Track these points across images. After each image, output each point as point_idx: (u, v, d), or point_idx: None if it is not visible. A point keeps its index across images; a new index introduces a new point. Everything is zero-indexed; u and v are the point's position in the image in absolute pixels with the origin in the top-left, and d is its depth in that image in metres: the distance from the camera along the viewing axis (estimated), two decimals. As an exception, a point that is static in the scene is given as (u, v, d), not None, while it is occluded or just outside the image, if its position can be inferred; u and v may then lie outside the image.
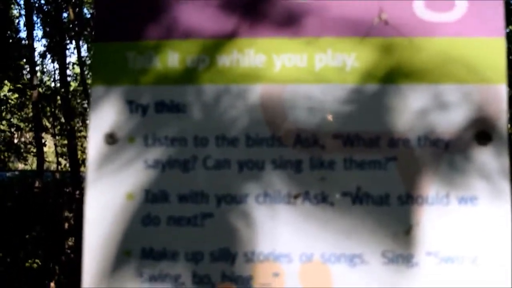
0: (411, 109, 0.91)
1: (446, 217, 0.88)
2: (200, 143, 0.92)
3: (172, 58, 0.94)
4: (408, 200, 0.89)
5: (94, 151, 0.94)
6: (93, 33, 0.98)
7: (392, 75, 0.91)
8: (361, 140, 0.90)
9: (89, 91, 0.98)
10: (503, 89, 0.90)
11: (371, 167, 0.90)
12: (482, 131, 0.89)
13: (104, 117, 0.94)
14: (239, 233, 0.90)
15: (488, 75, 0.90)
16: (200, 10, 0.95)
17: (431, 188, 0.89)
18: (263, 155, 0.91)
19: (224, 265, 0.90)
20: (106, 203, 0.92)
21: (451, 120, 0.90)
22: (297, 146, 0.91)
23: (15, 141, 10.51)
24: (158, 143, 0.93)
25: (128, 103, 0.94)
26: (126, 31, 0.96)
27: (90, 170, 0.93)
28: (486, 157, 0.89)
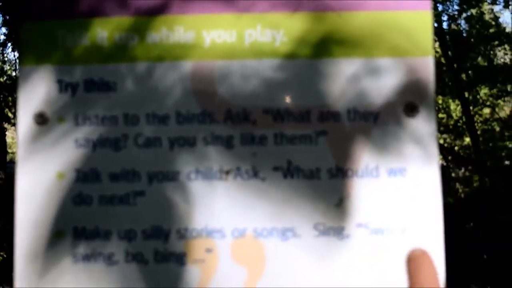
0: (341, 83, 0.91)
1: (376, 189, 0.90)
2: (131, 121, 0.92)
3: (101, 36, 0.93)
4: (338, 173, 0.90)
5: (24, 131, 0.92)
6: (19, 11, 0.96)
7: (322, 50, 0.92)
8: (291, 114, 0.91)
9: (18, 71, 0.97)
10: (430, 61, 0.92)
11: (301, 142, 0.91)
12: (410, 103, 0.91)
13: (33, 97, 0.93)
14: (172, 210, 0.90)
15: (415, 47, 0.92)
16: None
17: (361, 161, 0.90)
18: (194, 132, 0.91)
19: (157, 243, 0.90)
20: (36, 183, 0.91)
21: (380, 93, 0.91)
22: (228, 122, 0.91)
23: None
24: (88, 122, 0.92)
25: (58, 82, 0.93)
26: (54, 9, 0.94)
27: (20, 151, 0.92)
28: (415, 127, 0.90)
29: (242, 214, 0.90)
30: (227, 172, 0.90)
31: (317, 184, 0.90)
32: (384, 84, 0.91)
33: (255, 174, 0.90)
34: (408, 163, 0.90)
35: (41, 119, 0.92)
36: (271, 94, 0.91)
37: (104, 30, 0.93)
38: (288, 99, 0.91)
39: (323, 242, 0.89)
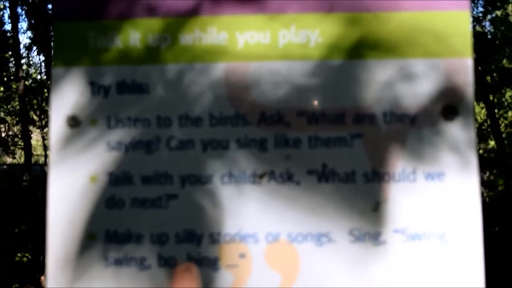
0: (377, 85, 0.89)
1: (413, 194, 0.87)
2: (163, 123, 0.91)
3: (134, 38, 0.92)
4: (374, 177, 0.88)
5: (57, 134, 0.92)
6: (52, 11, 0.95)
7: (357, 50, 0.90)
8: (326, 117, 0.89)
9: (51, 72, 0.96)
10: (469, 62, 0.89)
11: (336, 145, 0.89)
12: (449, 105, 0.88)
13: (65, 100, 0.92)
14: (204, 214, 0.89)
15: (454, 48, 0.89)
16: None
17: (397, 165, 0.88)
18: (227, 134, 0.90)
19: (190, 247, 0.89)
20: (69, 186, 0.90)
21: (418, 94, 0.89)
22: (261, 125, 0.90)
23: (3, 135, 10.44)
24: (120, 125, 0.91)
25: (90, 84, 0.92)
26: (86, 10, 0.94)
27: (53, 154, 0.91)
28: (453, 131, 0.88)
29: (275, 218, 0.88)
30: (261, 176, 0.89)
31: (352, 188, 0.88)
32: (421, 86, 0.89)
33: (289, 177, 0.88)
34: (446, 168, 0.87)
35: (74, 122, 0.92)
36: (305, 96, 0.90)
37: (136, 32, 0.92)
38: (321, 102, 0.89)
39: (358, 248, 0.87)
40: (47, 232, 0.90)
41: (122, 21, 0.93)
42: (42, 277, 6.74)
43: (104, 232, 0.90)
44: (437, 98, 0.88)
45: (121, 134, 0.91)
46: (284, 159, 0.89)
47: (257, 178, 0.89)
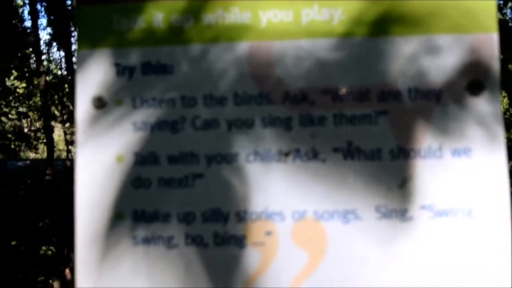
0: (401, 61, 0.89)
1: (440, 170, 0.87)
2: (188, 103, 0.91)
3: (157, 19, 0.93)
4: (400, 154, 0.88)
5: (83, 115, 0.93)
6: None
7: (381, 27, 0.89)
8: (350, 94, 0.89)
9: (75, 55, 0.97)
10: (494, 37, 0.88)
11: (361, 122, 0.89)
12: (474, 80, 0.88)
13: (91, 81, 0.93)
14: (231, 192, 0.89)
15: (480, 23, 0.88)
16: None
17: (423, 141, 0.87)
18: (252, 113, 0.90)
19: (217, 225, 0.89)
20: (96, 166, 0.91)
21: (443, 70, 0.88)
22: (286, 103, 0.90)
23: (25, 130, 10.56)
24: (146, 105, 0.92)
25: (115, 65, 0.93)
26: None
27: (80, 135, 0.92)
28: (479, 107, 0.87)
29: (301, 196, 0.88)
30: (286, 154, 0.89)
31: (378, 165, 0.88)
32: (445, 62, 0.88)
33: (314, 155, 0.88)
34: (472, 143, 0.87)
35: (100, 103, 0.92)
36: (329, 74, 0.89)
37: (159, 13, 0.93)
38: (346, 79, 0.89)
39: (385, 225, 0.87)
40: (75, 212, 0.91)
41: (145, 2, 0.93)
42: (67, 270, 6.82)
43: (132, 212, 0.90)
44: (462, 73, 0.88)
45: (146, 115, 0.92)
46: (310, 137, 0.89)
47: (283, 156, 0.89)
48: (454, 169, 0.86)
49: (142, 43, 0.93)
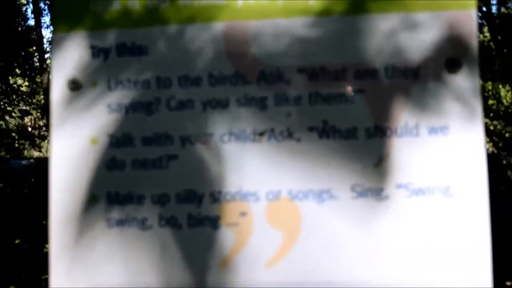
0: (379, 39, 0.87)
1: (417, 149, 0.86)
2: (163, 84, 0.90)
3: (132, 0, 0.92)
4: (376, 132, 0.86)
5: (58, 98, 0.92)
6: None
7: (357, 5, 0.88)
8: (326, 73, 0.88)
9: (51, 38, 0.96)
10: (472, 14, 0.87)
11: (337, 101, 0.87)
12: (452, 58, 0.86)
13: (66, 64, 0.92)
14: (205, 173, 0.88)
15: (456, 1, 0.87)
16: None
17: (400, 120, 0.86)
18: (227, 93, 0.89)
19: (191, 207, 0.88)
20: (70, 149, 0.91)
21: (420, 48, 0.87)
22: (261, 83, 0.89)
23: (29, 129, 10.59)
24: (120, 86, 0.91)
25: (90, 47, 0.92)
26: None
27: (55, 117, 0.92)
28: (457, 84, 0.86)
29: (276, 176, 0.87)
30: (261, 134, 0.88)
31: (354, 144, 0.86)
32: (423, 39, 0.87)
33: (289, 135, 0.87)
34: (450, 121, 0.85)
35: (75, 85, 0.92)
36: (305, 53, 0.88)
37: None
38: (321, 58, 0.88)
39: (361, 204, 0.86)
40: (50, 194, 0.90)
41: None
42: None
43: (106, 194, 0.90)
44: (440, 50, 0.86)
45: (121, 96, 0.91)
46: (285, 116, 0.88)
47: (257, 136, 0.88)
48: (431, 147, 0.85)
49: (117, 25, 0.92)
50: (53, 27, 0.96)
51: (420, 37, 0.87)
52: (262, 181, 0.87)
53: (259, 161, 0.87)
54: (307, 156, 0.87)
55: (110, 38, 0.92)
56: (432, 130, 0.85)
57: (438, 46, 0.87)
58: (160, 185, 0.89)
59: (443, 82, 0.86)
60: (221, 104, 0.89)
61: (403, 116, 0.86)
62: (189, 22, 0.91)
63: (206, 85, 0.89)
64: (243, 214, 0.87)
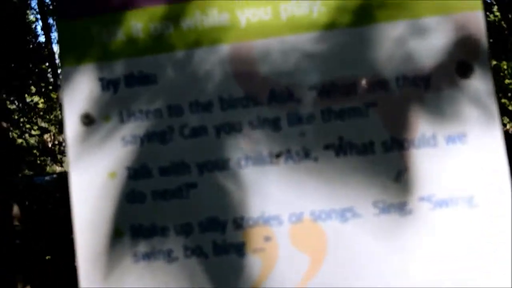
0: (385, 50, 0.86)
1: (436, 159, 0.84)
2: (175, 112, 0.90)
3: (136, 28, 0.91)
4: (393, 145, 0.85)
5: (72, 133, 0.92)
6: (55, 11, 0.95)
7: (362, 16, 0.87)
8: (337, 88, 0.87)
9: (60, 72, 0.97)
10: (479, 15, 0.85)
11: (351, 116, 0.86)
12: (463, 62, 0.84)
13: (77, 98, 0.92)
14: (226, 199, 0.88)
15: (463, 3, 0.85)
16: None
17: (416, 131, 0.85)
18: (239, 116, 0.88)
19: (215, 234, 0.88)
20: (89, 184, 0.90)
21: (429, 55, 0.85)
22: (272, 103, 0.88)
23: (49, 145, 10.68)
24: (133, 118, 0.91)
25: (99, 80, 0.92)
26: (85, 6, 0.93)
27: (71, 153, 0.92)
28: (470, 89, 0.84)
29: (297, 198, 0.86)
30: (278, 156, 0.87)
31: (372, 159, 0.85)
32: (432, 45, 0.85)
33: (306, 155, 0.86)
34: (467, 128, 0.84)
35: (88, 120, 0.92)
36: (314, 69, 0.87)
37: (138, 22, 0.91)
38: (330, 73, 0.87)
39: (385, 220, 0.84)
40: (75, 232, 0.90)
41: (122, 12, 0.92)
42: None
43: (129, 227, 0.89)
44: (450, 54, 0.85)
45: (134, 127, 0.90)
46: (299, 136, 0.87)
47: (274, 158, 0.87)
48: (450, 156, 0.84)
49: (123, 54, 0.92)
50: (61, 61, 0.96)
51: (429, 43, 0.85)
52: (284, 204, 0.86)
53: (278, 184, 0.87)
54: (326, 175, 0.86)
55: (118, 69, 0.92)
56: (450, 139, 0.84)
57: (448, 51, 0.85)
58: (182, 215, 0.88)
59: (456, 88, 0.84)
60: (235, 128, 0.88)
61: (419, 127, 0.85)
62: (195, 47, 0.90)
63: (218, 109, 0.89)
64: (267, 239, 0.86)
